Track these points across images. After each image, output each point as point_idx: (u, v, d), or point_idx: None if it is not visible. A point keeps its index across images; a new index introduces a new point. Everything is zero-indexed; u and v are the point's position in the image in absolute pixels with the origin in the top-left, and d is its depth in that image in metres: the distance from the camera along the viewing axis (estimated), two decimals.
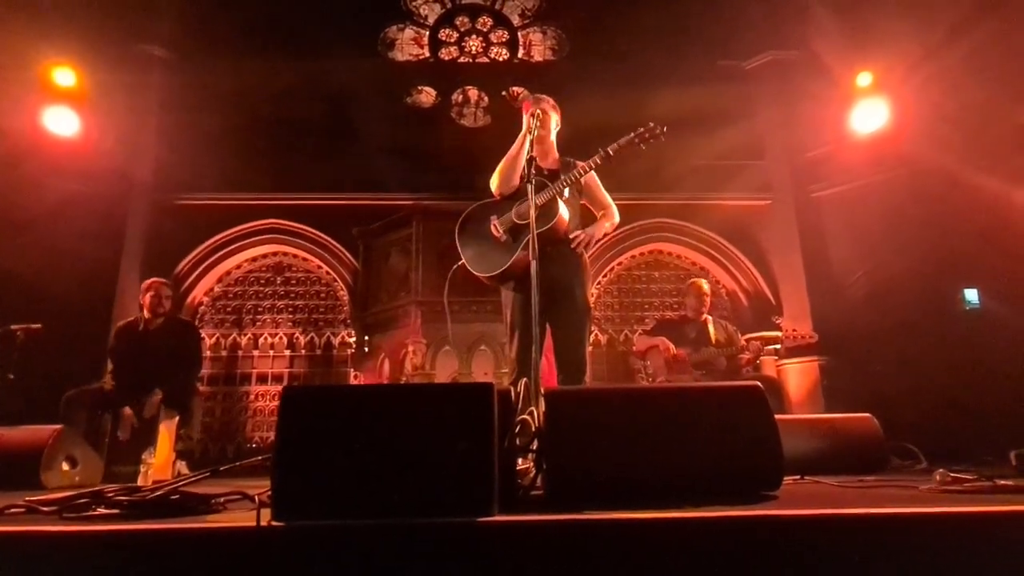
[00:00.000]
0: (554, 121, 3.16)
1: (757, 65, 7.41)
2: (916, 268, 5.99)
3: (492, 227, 2.98)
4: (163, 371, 4.10)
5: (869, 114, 6.48)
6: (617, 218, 3.25)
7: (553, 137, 3.19)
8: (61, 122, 6.11)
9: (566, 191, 2.93)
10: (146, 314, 4.33)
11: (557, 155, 3.19)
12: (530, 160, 2.70)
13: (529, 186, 2.62)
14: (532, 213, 2.56)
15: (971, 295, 5.98)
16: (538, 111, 2.97)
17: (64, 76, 6.13)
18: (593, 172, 3.04)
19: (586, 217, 3.20)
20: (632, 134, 2.91)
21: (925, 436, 3.71)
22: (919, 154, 5.93)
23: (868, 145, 6.49)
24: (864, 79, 6.53)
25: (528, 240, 2.54)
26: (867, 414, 3.32)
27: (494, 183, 3.09)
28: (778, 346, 4.63)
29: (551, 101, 3.16)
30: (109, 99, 6.33)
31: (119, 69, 6.44)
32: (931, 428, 4.32)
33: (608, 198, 3.24)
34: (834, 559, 1.23)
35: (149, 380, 4.04)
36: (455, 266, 3.11)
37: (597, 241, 3.20)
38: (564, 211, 2.90)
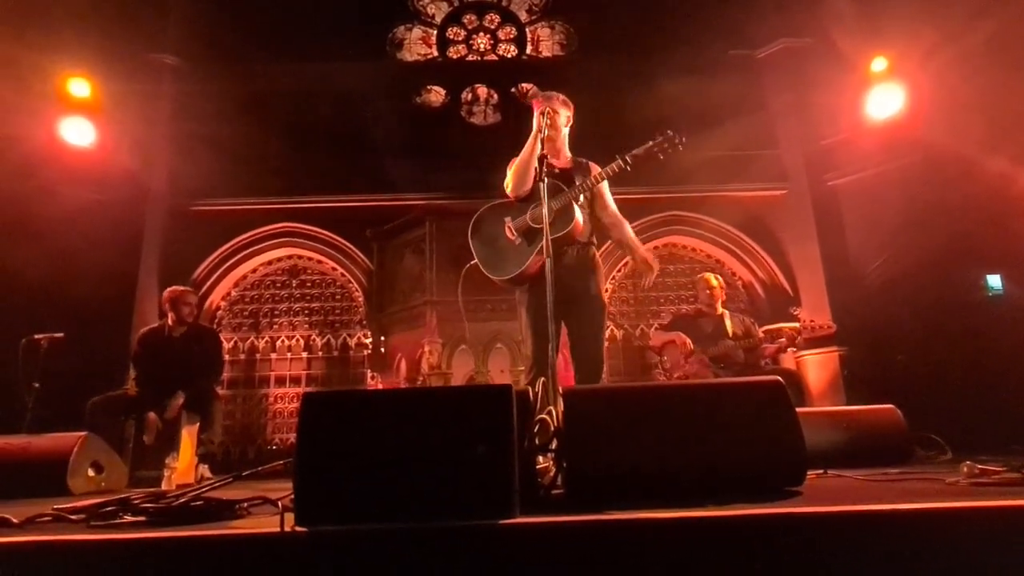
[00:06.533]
0: (564, 117, 3.07)
1: (769, 53, 7.33)
2: (936, 255, 5.88)
3: (506, 229, 2.97)
4: (186, 377, 4.15)
5: (884, 100, 6.36)
6: (629, 227, 3.20)
7: (565, 133, 3.11)
8: (77, 132, 6.19)
9: (581, 197, 2.90)
10: (170, 322, 4.38)
11: (569, 153, 3.14)
12: (542, 159, 2.68)
13: (542, 185, 2.60)
14: (545, 212, 2.54)
15: (994, 281, 5.87)
16: (548, 109, 2.94)
17: (79, 87, 6.20)
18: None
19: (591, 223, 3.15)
20: (651, 143, 2.85)
21: (949, 426, 3.64)
22: (936, 140, 5.81)
23: (884, 132, 6.38)
24: (879, 64, 6.40)
25: (542, 244, 2.53)
26: (890, 405, 3.26)
27: (508, 186, 3.05)
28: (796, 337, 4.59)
29: (562, 97, 3.08)
30: (123, 108, 6.40)
31: (132, 78, 6.52)
32: (955, 417, 4.24)
33: (614, 206, 3.17)
34: (862, 557, 1.21)
35: (173, 386, 4.09)
36: (468, 265, 3.10)
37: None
38: (579, 215, 2.88)
